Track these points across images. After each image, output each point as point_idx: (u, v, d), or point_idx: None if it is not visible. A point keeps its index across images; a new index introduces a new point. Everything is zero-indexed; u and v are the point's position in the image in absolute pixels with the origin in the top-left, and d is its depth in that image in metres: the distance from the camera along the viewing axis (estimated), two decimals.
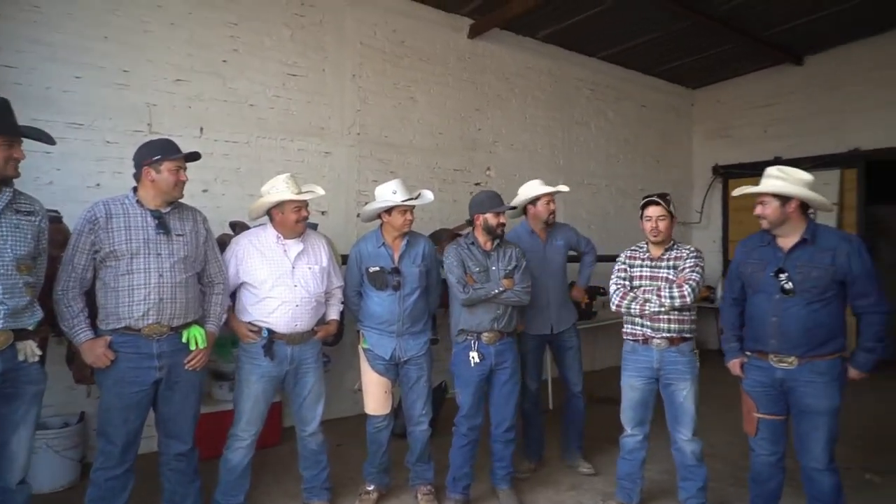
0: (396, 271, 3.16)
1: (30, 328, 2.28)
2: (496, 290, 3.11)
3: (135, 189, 2.62)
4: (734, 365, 2.87)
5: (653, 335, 2.96)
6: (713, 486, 3.17)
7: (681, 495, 3.06)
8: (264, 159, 4.49)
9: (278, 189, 2.95)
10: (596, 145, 6.96)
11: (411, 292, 3.19)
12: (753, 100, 7.40)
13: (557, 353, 3.79)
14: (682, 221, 7.61)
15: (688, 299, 2.87)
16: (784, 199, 2.62)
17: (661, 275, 2.99)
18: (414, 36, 5.35)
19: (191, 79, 4.20)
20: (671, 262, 3.00)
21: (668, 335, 2.93)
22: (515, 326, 3.31)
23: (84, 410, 3.64)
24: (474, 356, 3.14)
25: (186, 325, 2.66)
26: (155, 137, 2.97)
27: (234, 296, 3.03)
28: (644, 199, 3.04)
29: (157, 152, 2.57)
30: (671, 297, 2.88)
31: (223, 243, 3.12)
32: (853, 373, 2.65)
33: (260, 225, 3.14)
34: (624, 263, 3.13)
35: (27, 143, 2.29)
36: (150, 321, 2.53)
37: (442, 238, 4.36)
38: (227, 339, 3.60)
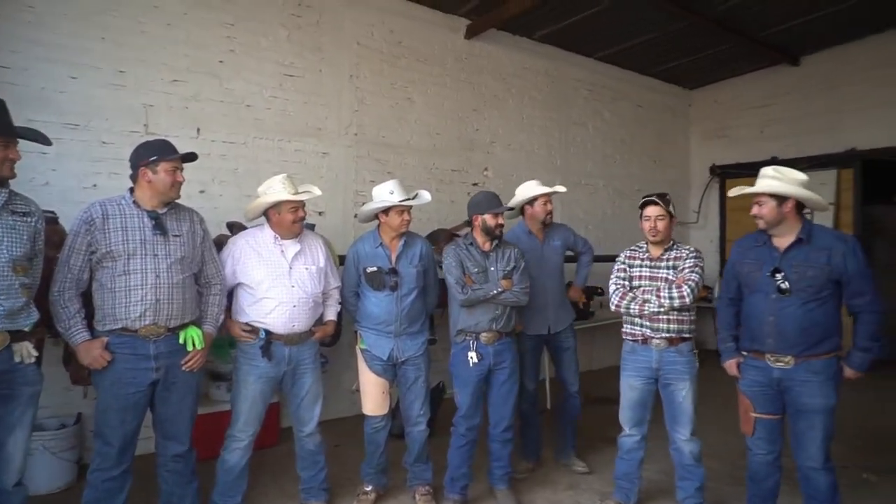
0: (394, 272, 3.16)
1: (26, 329, 2.27)
2: (495, 291, 3.11)
3: (131, 190, 2.61)
4: (731, 365, 2.88)
5: (652, 335, 2.96)
6: (711, 485, 3.17)
7: (679, 495, 3.07)
8: (261, 160, 4.49)
9: (275, 189, 2.95)
10: (593, 145, 6.96)
11: (409, 293, 3.19)
12: (750, 100, 7.42)
13: (554, 353, 3.80)
14: (680, 221, 7.62)
15: (687, 300, 2.87)
16: (781, 198, 2.63)
17: (660, 275, 2.99)
18: (411, 36, 5.35)
19: (187, 79, 4.19)
20: (671, 263, 3.00)
21: (667, 335, 2.94)
22: (514, 326, 3.31)
23: (81, 412, 3.63)
24: (473, 356, 3.14)
25: (183, 326, 2.65)
26: (151, 138, 2.96)
27: (229, 296, 3.02)
28: (643, 198, 3.04)
29: (153, 153, 2.56)
30: (670, 298, 2.88)
31: (220, 244, 3.11)
32: (849, 372, 2.66)
33: (257, 225, 3.13)
34: (623, 263, 3.13)
35: (23, 144, 2.29)
36: (147, 322, 2.53)
37: (439, 238, 4.36)
38: (225, 340, 3.59)
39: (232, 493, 2.97)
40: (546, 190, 3.68)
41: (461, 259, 3.18)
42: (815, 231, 2.68)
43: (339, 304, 3.30)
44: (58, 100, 3.71)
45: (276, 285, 2.93)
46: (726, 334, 2.92)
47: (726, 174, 7.59)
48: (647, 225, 3.00)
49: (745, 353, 2.83)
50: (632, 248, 3.17)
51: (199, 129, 4.24)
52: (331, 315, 3.23)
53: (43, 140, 2.33)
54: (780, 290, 2.62)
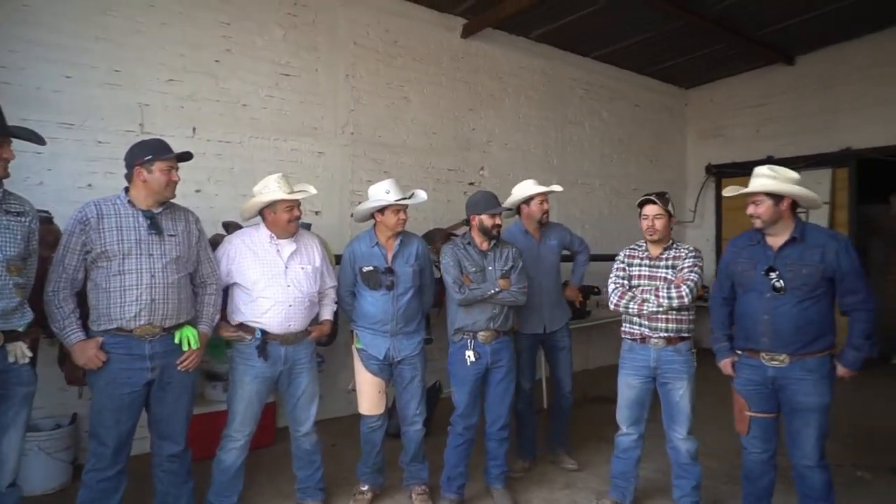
0: (390, 271, 3.16)
1: (20, 329, 2.26)
2: (492, 291, 3.11)
3: (126, 189, 2.60)
4: (725, 364, 2.88)
5: (650, 335, 2.97)
6: (707, 484, 3.18)
7: (675, 494, 3.07)
8: (257, 159, 4.48)
9: (270, 189, 2.95)
10: (590, 145, 6.97)
11: (405, 292, 3.19)
12: (746, 99, 7.43)
13: (550, 352, 3.81)
14: (676, 220, 7.63)
15: (686, 300, 2.88)
16: (777, 197, 2.63)
17: (659, 274, 3.00)
18: (407, 36, 5.34)
19: (183, 79, 4.18)
20: (670, 262, 3.00)
21: (665, 335, 2.94)
22: (511, 326, 3.31)
23: (76, 412, 3.62)
24: (470, 355, 3.14)
25: (179, 326, 2.65)
26: (147, 137, 2.95)
27: (224, 296, 3.01)
28: (642, 197, 3.04)
29: (148, 152, 2.55)
30: (669, 298, 2.89)
31: (216, 243, 3.10)
32: (842, 370, 2.67)
33: (253, 225, 3.13)
34: (622, 262, 3.13)
35: (17, 144, 2.28)
36: (143, 322, 2.52)
37: (436, 238, 4.37)
38: (221, 340, 3.57)
39: (228, 493, 2.97)
40: (542, 189, 3.68)
41: (459, 258, 3.18)
42: (808, 230, 2.69)
43: (336, 303, 3.29)
44: (53, 99, 3.70)
45: (272, 285, 2.92)
46: (720, 333, 2.92)
47: (722, 173, 7.60)
48: (645, 224, 3.00)
49: (739, 351, 2.83)
50: (631, 246, 3.17)
51: (194, 129, 4.23)
52: (327, 314, 3.23)
53: (37, 140, 2.32)
54: (775, 289, 2.63)
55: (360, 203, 3.39)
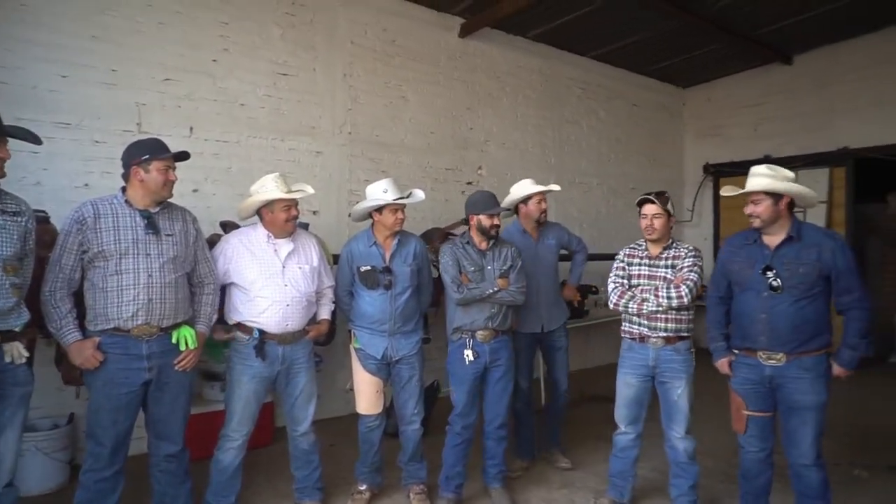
0: (388, 270, 3.16)
1: (16, 330, 2.26)
2: (490, 290, 3.11)
3: (123, 189, 2.60)
4: (723, 364, 2.88)
5: (649, 334, 2.97)
6: (704, 483, 3.19)
7: (672, 492, 3.08)
8: (255, 159, 4.47)
9: (267, 188, 2.94)
10: (587, 144, 6.97)
11: (402, 291, 3.19)
12: (743, 99, 7.44)
13: (547, 352, 3.81)
14: (676, 220, 7.64)
15: (685, 300, 2.88)
16: (776, 197, 2.64)
17: (659, 274, 3.00)
18: (405, 35, 5.34)
19: (181, 78, 4.17)
20: (669, 262, 3.00)
21: (664, 334, 2.95)
22: (510, 325, 3.31)
23: (73, 412, 3.61)
24: (469, 354, 3.14)
25: (176, 326, 2.64)
26: (144, 137, 2.95)
27: (221, 295, 3.01)
28: (641, 197, 3.05)
29: (145, 152, 2.55)
30: (668, 298, 2.89)
31: (213, 243, 3.10)
32: (837, 370, 2.67)
33: (250, 224, 3.13)
34: (622, 262, 3.13)
35: (13, 143, 2.27)
36: (140, 322, 2.51)
37: (434, 237, 4.36)
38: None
39: (226, 493, 2.97)
40: (540, 189, 3.69)
41: (458, 258, 3.18)
42: (804, 228, 2.71)
43: (333, 303, 3.29)
44: (49, 98, 3.69)
45: (269, 284, 2.92)
46: (717, 333, 2.92)
47: (720, 172, 7.61)
48: (643, 223, 3.01)
49: (736, 351, 2.84)
50: (631, 245, 3.17)
51: (192, 128, 4.22)
52: (325, 314, 3.23)
53: (33, 139, 2.31)
54: (772, 288, 2.63)
55: (357, 202, 3.38)
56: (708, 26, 5.85)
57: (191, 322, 2.73)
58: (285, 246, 3.02)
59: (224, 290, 2.98)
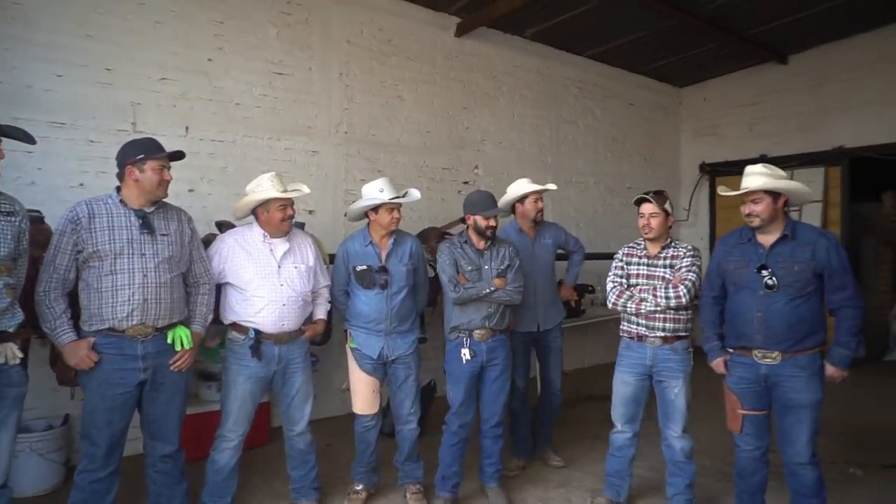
0: (384, 270, 3.16)
1: (10, 330, 2.25)
2: (487, 290, 3.11)
3: (118, 189, 2.59)
4: (719, 364, 2.87)
5: (647, 333, 2.98)
6: (701, 481, 3.19)
7: (669, 491, 3.08)
8: (251, 158, 4.46)
9: (263, 187, 2.93)
10: (584, 143, 6.98)
11: (399, 291, 3.18)
12: (739, 98, 7.46)
13: (541, 351, 3.81)
14: (674, 219, 7.66)
15: (683, 300, 2.88)
16: (775, 195, 2.65)
17: (657, 273, 3.00)
18: (401, 34, 5.33)
19: (176, 77, 4.16)
20: (668, 261, 3.01)
21: (662, 334, 2.95)
22: (508, 324, 3.31)
23: (68, 413, 3.60)
24: (466, 353, 3.14)
25: (172, 326, 2.64)
26: (139, 136, 2.94)
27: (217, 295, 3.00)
28: (639, 196, 3.05)
29: (140, 151, 2.54)
30: (666, 298, 2.89)
31: (209, 243, 3.09)
32: (830, 370, 2.66)
33: (246, 224, 3.12)
34: (621, 261, 3.14)
35: (8, 143, 2.27)
36: (135, 322, 2.51)
37: (430, 236, 4.36)
38: (220, 332, 3.58)
39: (222, 494, 2.96)
40: (537, 188, 3.69)
41: (455, 257, 3.18)
42: (798, 227, 2.72)
43: (329, 302, 3.29)
44: (43, 98, 3.67)
45: (265, 284, 2.91)
46: (711, 332, 2.92)
47: (716, 172, 7.63)
48: (641, 222, 3.02)
49: (731, 350, 2.84)
50: (630, 245, 3.17)
51: (187, 128, 4.21)
52: (320, 314, 3.22)
53: (27, 139, 2.30)
54: (768, 287, 2.64)
55: (353, 202, 3.38)
56: (704, 25, 5.86)
57: (186, 322, 2.72)
58: (281, 245, 3.01)
59: (219, 289, 2.98)
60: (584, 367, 6.49)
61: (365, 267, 3.16)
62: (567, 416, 4.62)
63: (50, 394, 3.46)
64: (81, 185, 3.77)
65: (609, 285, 3.10)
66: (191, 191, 4.14)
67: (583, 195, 6.97)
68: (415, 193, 3.30)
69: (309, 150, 4.80)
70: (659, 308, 2.91)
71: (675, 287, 2.90)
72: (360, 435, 3.28)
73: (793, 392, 2.64)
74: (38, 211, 3.01)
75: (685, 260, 2.97)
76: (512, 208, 3.78)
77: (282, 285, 2.94)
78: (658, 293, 2.92)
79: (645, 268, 3.05)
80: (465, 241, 3.24)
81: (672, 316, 2.94)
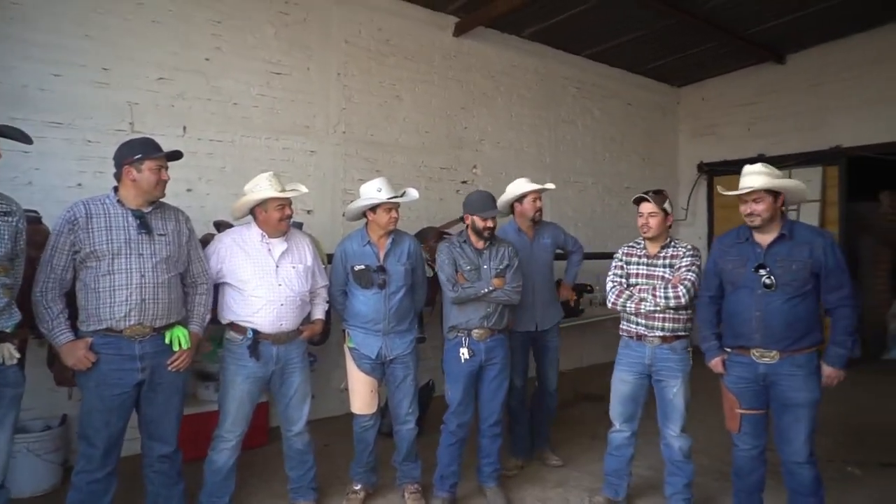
0: (382, 269, 3.16)
1: (7, 331, 2.24)
2: (485, 290, 3.11)
3: (115, 189, 2.58)
4: (717, 363, 2.87)
5: (646, 333, 2.98)
6: (699, 481, 3.19)
7: (667, 491, 3.09)
8: (249, 158, 4.46)
9: (261, 187, 2.93)
10: (582, 143, 6.98)
11: (397, 290, 3.18)
12: (737, 98, 7.46)
13: (539, 351, 3.81)
14: (674, 219, 7.66)
15: (682, 300, 2.89)
16: (775, 195, 2.65)
17: (657, 273, 3.00)
18: (399, 34, 5.33)
19: (173, 77, 4.15)
20: (667, 261, 3.01)
21: (661, 333, 2.95)
22: (507, 324, 3.31)
23: (66, 413, 3.59)
24: (464, 352, 3.14)
25: (169, 326, 2.63)
26: (137, 136, 2.93)
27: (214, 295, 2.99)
28: (638, 195, 3.05)
29: (137, 151, 2.53)
30: (666, 298, 2.90)
31: (207, 243, 3.09)
32: (828, 370, 2.65)
33: (244, 224, 3.12)
34: (620, 260, 3.14)
35: (5, 143, 2.26)
36: (132, 322, 2.50)
37: (428, 236, 4.36)
38: (213, 340, 3.57)
39: (220, 494, 2.95)
40: (535, 187, 3.69)
41: (454, 257, 3.18)
42: (795, 227, 2.73)
43: (327, 302, 3.28)
44: (40, 98, 3.67)
45: (263, 284, 2.91)
46: (708, 332, 2.92)
47: (714, 171, 7.64)
48: (639, 221, 3.02)
49: (728, 349, 2.84)
50: (630, 244, 3.18)
51: (185, 128, 4.20)
52: (318, 314, 3.22)
53: (24, 139, 2.30)
54: (766, 286, 2.64)
55: (351, 202, 3.38)
56: (702, 25, 5.86)
57: (184, 322, 2.72)
58: (279, 245, 3.01)
59: (217, 289, 2.97)
60: (583, 367, 6.49)
61: (363, 266, 3.15)
62: (565, 416, 4.62)
63: (47, 394, 3.45)
64: (79, 185, 3.76)
65: (609, 285, 3.10)
66: (189, 191, 4.13)
67: (581, 195, 6.97)
68: (413, 193, 3.29)
69: (307, 149, 4.80)
70: (658, 308, 2.92)
71: (675, 287, 2.90)
72: (359, 435, 3.27)
73: (791, 391, 2.64)
74: (35, 211, 3.00)
75: (685, 260, 2.97)
76: (511, 208, 3.78)
77: (280, 285, 2.94)
78: (657, 293, 2.92)
79: (644, 267, 3.05)
80: (465, 241, 3.24)
81: (671, 315, 2.94)
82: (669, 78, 7.73)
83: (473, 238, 3.23)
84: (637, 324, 3.01)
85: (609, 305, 3.10)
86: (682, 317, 2.97)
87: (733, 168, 6.82)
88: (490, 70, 6.04)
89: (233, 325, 2.95)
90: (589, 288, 5.80)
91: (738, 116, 7.47)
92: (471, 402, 3.24)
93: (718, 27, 5.98)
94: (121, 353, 2.50)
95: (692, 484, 3.04)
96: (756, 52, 6.72)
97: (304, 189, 3.10)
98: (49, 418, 3.58)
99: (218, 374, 3.24)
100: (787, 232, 2.67)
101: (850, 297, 2.63)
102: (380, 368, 3.24)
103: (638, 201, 3.03)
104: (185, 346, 2.65)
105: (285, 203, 2.96)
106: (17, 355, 2.29)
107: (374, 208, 3.16)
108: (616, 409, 3.14)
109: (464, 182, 5.73)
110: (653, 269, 3.02)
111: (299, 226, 3.51)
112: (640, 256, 3.08)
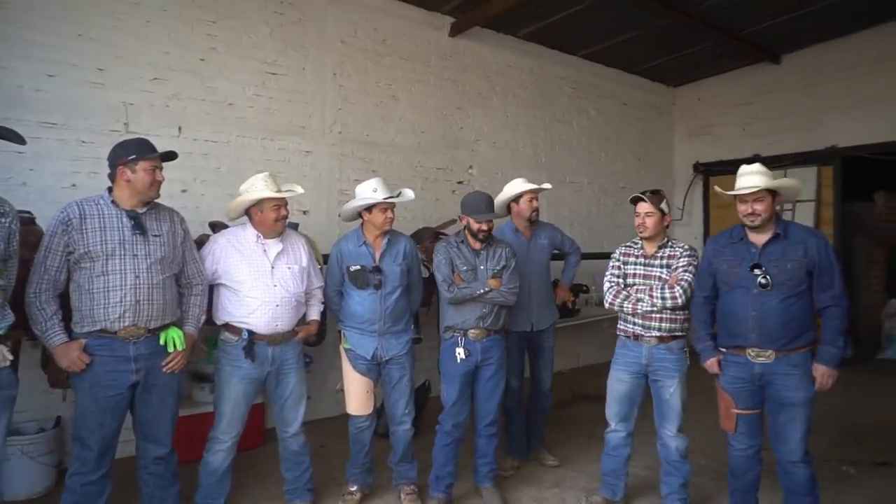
0: (377, 270, 3.15)
1: (0, 332, 2.23)
2: (481, 290, 3.11)
3: (110, 189, 2.57)
4: (712, 364, 2.87)
5: (643, 333, 2.98)
6: (695, 480, 3.20)
7: (663, 490, 3.09)
8: (244, 159, 4.44)
9: (257, 188, 2.92)
10: (578, 143, 6.99)
11: (392, 291, 3.18)
12: (733, 98, 7.48)
13: (533, 351, 3.81)
14: (671, 219, 7.67)
15: (679, 300, 2.89)
16: (774, 194, 2.66)
17: (654, 273, 3.01)
18: (395, 34, 5.32)
19: (168, 77, 4.14)
20: (665, 261, 3.01)
21: (658, 333, 2.96)
22: (504, 324, 3.31)
23: (60, 415, 3.57)
24: (460, 352, 3.14)
25: (164, 327, 2.62)
26: (131, 137, 2.92)
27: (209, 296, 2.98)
28: (635, 195, 3.05)
29: (132, 152, 2.52)
30: (662, 298, 2.90)
31: (202, 244, 3.08)
32: (821, 369, 2.65)
33: (239, 224, 3.11)
34: (618, 260, 3.14)
35: None
36: (127, 323, 2.49)
37: (424, 236, 4.35)
38: (209, 341, 3.56)
39: (215, 496, 2.95)
40: (532, 187, 3.69)
41: (451, 257, 3.18)
42: (790, 227, 2.74)
43: (323, 303, 3.28)
44: (34, 98, 3.65)
45: (258, 285, 2.90)
46: (704, 333, 2.92)
47: (710, 171, 7.65)
48: (636, 221, 3.03)
49: (723, 349, 2.85)
50: (627, 244, 3.18)
51: (180, 128, 4.19)
52: (314, 314, 3.21)
53: (17, 139, 2.28)
54: (762, 285, 2.64)
55: (347, 202, 3.37)
56: (697, 25, 5.87)
57: (179, 323, 2.71)
58: (274, 246, 3.00)
59: (212, 290, 2.96)
60: (579, 367, 6.49)
61: (359, 267, 3.15)
62: (561, 416, 4.62)
63: (41, 396, 3.43)
64: (73, 185, 3.74)
65: (606, 285, 3.11)
66: (184, 191, 4.12)
67: (577, 195, 6.97)
68: (408, 193, 3.29)
69: (303, 150, 4.78)
70: (655, 308, 2.92)
71: (672, 287, 2.91)
72: (355, 436, 3.27)
73: (786, 390, 2.65)
74: (28, 212, 2.98)
75: (682, 260, 2.98)
76: (507, 208, 3.78)
77: (275, 286, 2.93)
78: (654, 293, 2.93)
79: (642, 267, 3.05)
80: (462, 241, 3.24)
81: (668, 316, 2.95)
82: (665, 78, 7.74)
83: (470, 239, 3.23)
84: (634, 324, 3.02)
85: (606, 306, 3.11)
86: (678, 317, 2.97)
87: (729, 168, 6.83)
88: (486, 70, 6.04)
89: (228, 326, 2.94)
90: (585, 288, 5.80)
91: (733, 116, 7.48)
92: (467, 403, 3.24)
93: (714, 27, 5.99)
94: (115, 355, 2.49)
95: (688, 484, 3.05)
96: (751, 52, 6.74)
97: (299, 189, 3.09)
98: (43, 420, 3.56)
99: (213, 376, 3.23)
100: (781, 231, 2.68)
101: (840, 297, 2.64)
102: (376, 369, 3.23)
103: (635, 201, 3.04)
104: (179, 348, 2.64)
105: (281, 203, 2.96)
106: (11, 357, 2.27)
107: (369, 208, 3.15)
108: (612, 408, 3.14)
109: (460, 182, 5.72)
110: (650, 269, 3.03)
111: (295, 226, 3.50)
112: (637, 256, 3.09)
